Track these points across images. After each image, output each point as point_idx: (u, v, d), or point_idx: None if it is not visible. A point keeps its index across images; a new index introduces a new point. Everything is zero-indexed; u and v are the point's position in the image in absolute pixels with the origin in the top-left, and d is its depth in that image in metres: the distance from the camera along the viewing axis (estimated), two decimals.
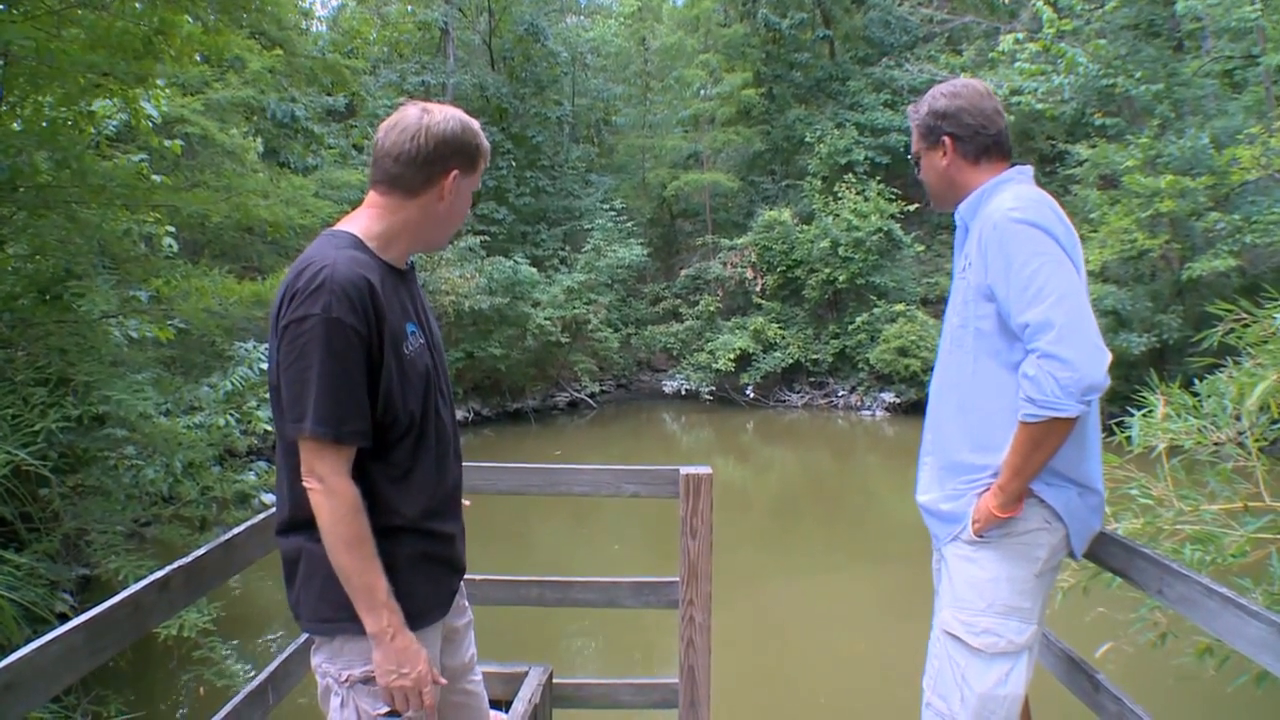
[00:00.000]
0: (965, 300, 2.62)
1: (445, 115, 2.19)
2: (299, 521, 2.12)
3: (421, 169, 2.16)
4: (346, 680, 2.15)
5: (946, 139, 2.72)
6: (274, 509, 3.09)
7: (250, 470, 8.09)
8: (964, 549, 2.62)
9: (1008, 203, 2.51)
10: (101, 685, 5.94)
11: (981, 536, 2.57)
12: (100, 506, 6.76)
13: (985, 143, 2.69)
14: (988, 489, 2.55)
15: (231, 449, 8.20)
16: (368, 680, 2.14)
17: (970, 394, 2.62)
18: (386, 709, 2.14)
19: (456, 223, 2.31)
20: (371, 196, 2.22)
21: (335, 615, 2.12)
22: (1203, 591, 2.27)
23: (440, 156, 2.16)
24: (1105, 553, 2.74)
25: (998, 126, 2.70)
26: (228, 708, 2.71)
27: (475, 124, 2.25)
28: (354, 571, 2.04)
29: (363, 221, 2.20)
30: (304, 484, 2.05)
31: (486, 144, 2.29)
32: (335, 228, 2.21)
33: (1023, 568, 2.57)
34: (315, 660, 2.22)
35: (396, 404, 2.11)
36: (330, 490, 2.02)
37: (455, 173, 2.19)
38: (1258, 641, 2.06)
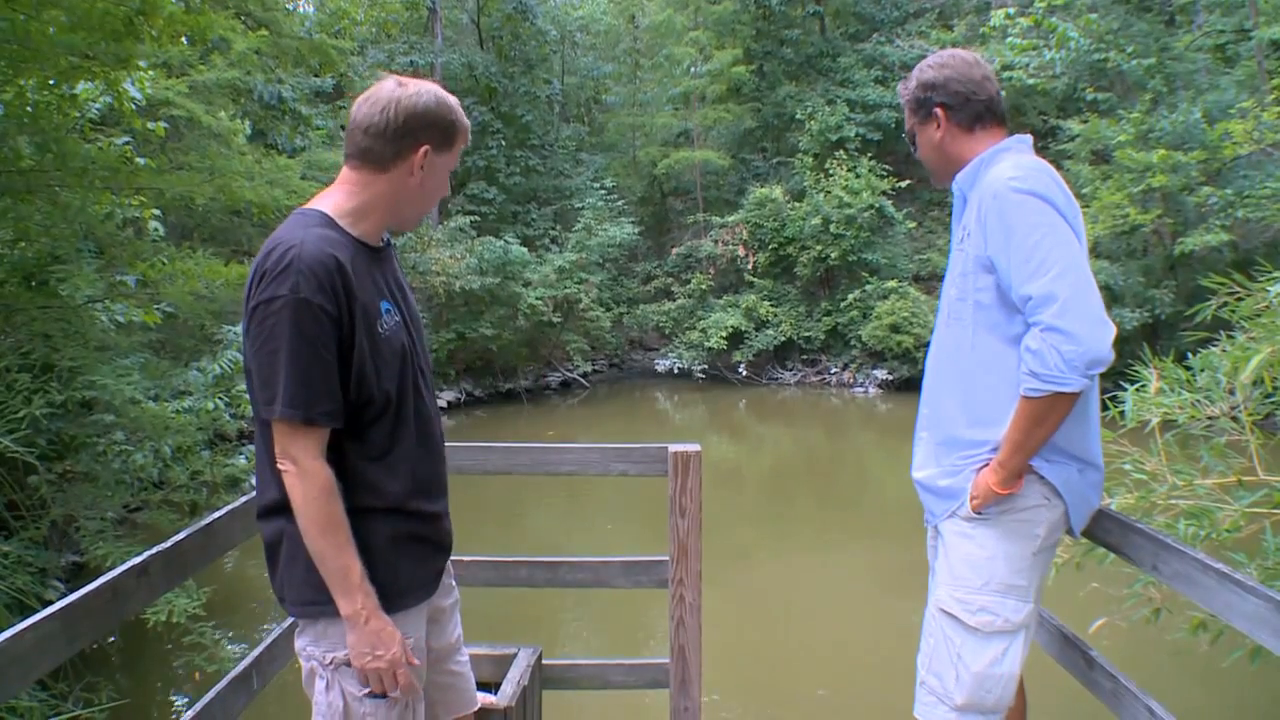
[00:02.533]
0: (964, 272, 2.57)
1: (420, 89, 2.14)
2: (281, 504, 2.09)
3: (392, 142, 2.12)
4: (331, 663, 2.13)
5: (938, 110, 2.67)
6: (254, 492, 3.07)
7: (240, 454, 8.05)
8: (961, 526, 2.59)
9: (1007, 172, 2.46)
10: (93, 672, 5.92)
11: (980, 513, 2.53)
12: (89, 493, 6.72)
13: (977, 109, 2.65)
14: (986, 465, 2.52)
15: (221, 433, 8.15)
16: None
17: (969, 368, 2.58)
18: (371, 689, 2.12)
19: (431, 202, 2.27)
20: (344, 172, 2.18)
21: (318, 598, 2.09)
22: (1198, 567, 2.24)
23: (411, 130, 2.12)
24: (1100, 528, 2.72)
25: (988, 92, 2.65)
26: (211, 693, 2.68)
27: (453, 100, 2.21)
28: (328, 554, 2.03)
29: (334, 198, 2.17)
30: (278, 466, 2.03)
31: (465, 122, 2.24)
32: (307, 205, 2.18)
33: (1021, 545, 2.54)
34: (299, 644, 2.20)
35: (370, 383, 2.08)
36: (303, 472, 2.00)
37: (427, 148, 2.15)
38: (1255, 618, 2.03)
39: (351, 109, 2.17)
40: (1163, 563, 2.42)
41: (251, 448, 8.38)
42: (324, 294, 1.97)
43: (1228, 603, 2.13)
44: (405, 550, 2.20)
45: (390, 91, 2.12)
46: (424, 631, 2.32)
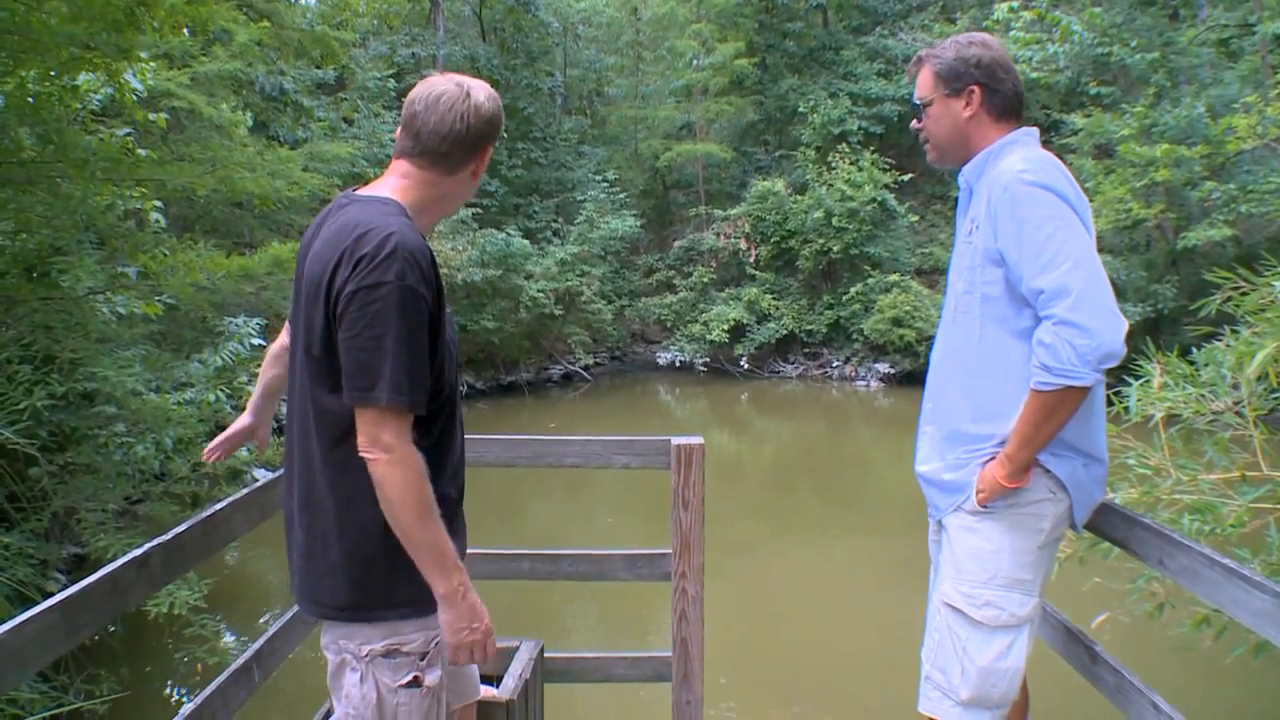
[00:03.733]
0: (971, 265, 2.54)
1: (486, 94, 2.21)
2: (350, 499, 2.08)
3: (469, 149, 2.18)
4: (367, 655, 2.12)
5: (976, 88, 2.59)
6: (261, 484, 3.06)
7: (241, 446, 8.02)
8: (966, 520, 2.57)
9: (1017, 165, 2.43)
10: (94, 664, 5.91)
11: (986, 507, 2.52)
12: (90, 484, 6.72)
13: (1012, 101, 2.61)
14: (992, 458, 2.50)
15: (222, 425, 8.12)
16: (389, 654, 2.11)
17: (975, 362, 2.55)
18: (410, 678, 2.12)
19: (471, 194, 2.33)
20: (404, 167, 2.19)
21: (413, 598, 2.11)
22: (1205, 563, 2.23)
23: (484, 136, 2.19)
24: (1105, 523, 2.70)
25: (1021, 87, 2.63)
26: (212, 686, 2.67)
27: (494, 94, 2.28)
28: (424, 536, 2.01)
29: (399, 190, 2.17)
30: (364, 455, 1.99)
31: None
32: (374, 194, 2.16)
33: (1026, 539, 2.52)
34: (328, 637, 2.18)
35: (444, 373, 2.12)
36: (400, 458, 1.98)
37: (489, 149, 2.25)
38: (1262, 614, 2.02)
39: (413, 106, 2.17)
40: (1169, 557, 2.41)
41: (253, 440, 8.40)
42: (425, 283, 1.99)
43: (1234, 598, 2.12)
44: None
45: (463, 96, 2.16)
46: None
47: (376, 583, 2.08)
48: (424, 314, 2.00)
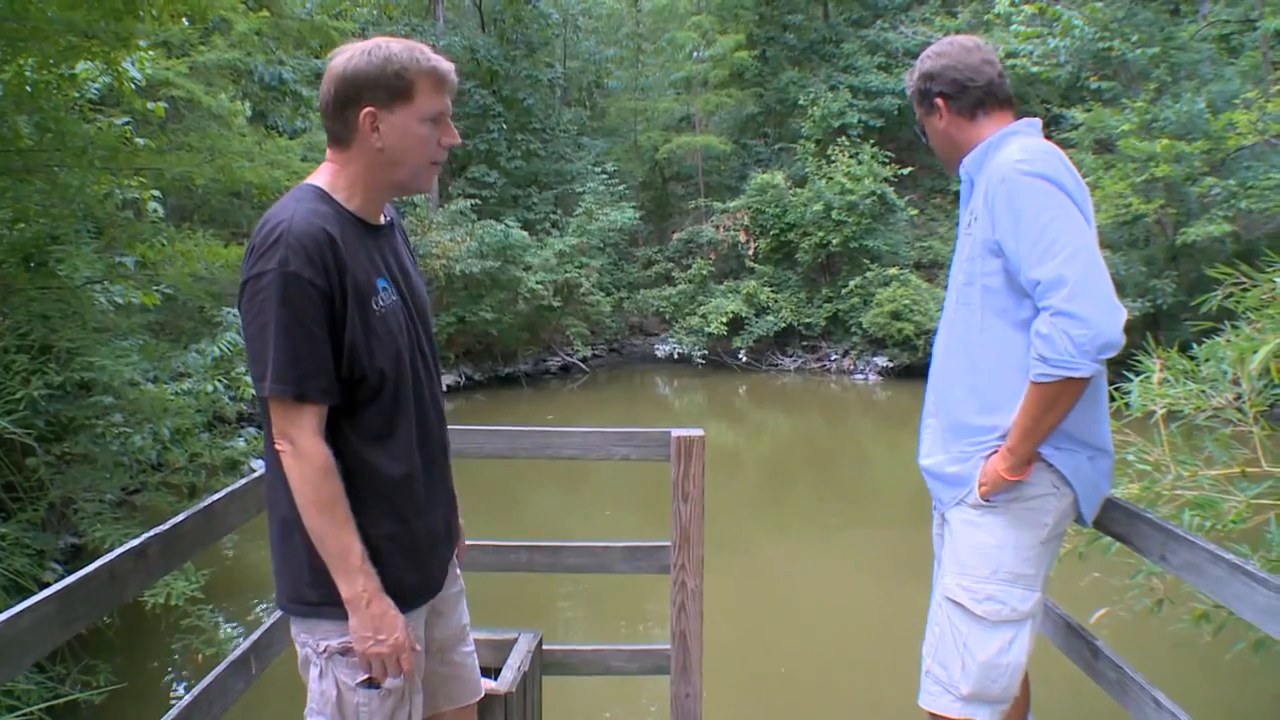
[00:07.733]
0: (971, 256, 2.54)
1: (353, 51, 2.04)
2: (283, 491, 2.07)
3: (337, 117, 2.06)
4: (325, 651, 2.11)
5: (939, 100, 2.66)
6: (258, 475, 3.05)
7: (239, 436, 8.03)
8: (969, 513, 2.57)
9: (1015, 155, 2.43)
10: (91, 654, 5.91)
11: (988, 501, 2.51)
12: (87, 474, 6.69)
13: (977, 95, 2.62)
14: (995, 451, 2.49)
15: (220, 415, 8.13)
16: (346, 651, 2.10)
17: (977, 354, 2.55)
18: (364, 677, 2.10)
19: (414, 159, 2.11)
20: (328, 152, 2.16)
21: (314, 596, 2.09)
22: (1208, 558, 2.22)
23: (348, 98, 2.04)
24: (1107, 518, 2.70)
25: (987, 77, 2.62)
26: (210, 677, 2.67)
27: (396, 48, 2.04)
28: (326, 534, 1.99)
29: (325, 175, 2.13)
30: (275, 447, 2.00)
31: (420, 66, 2.05)
32: (303, 181, 2.15)
33: (1029, 534, 2.52)
34: (294, 630, 2.18)
35: (363, 361, 2.03)
36: (300, 452, 1.97)
37: (369, 109, 2.03)
38: (1265, 609, 2.01)
39: None
40: (1171, 553, 2.41)
41: (251, 430, 8.40)
42: (313, 267, 1.93)
43: (1237, 594, 2.11)
44: (406, 550, 2.17)
45: (330, 64, 2.05)
46: (422, 624, 2.29)
47: (331, 577, 2.05)
48: (312, 300, 1.93)
